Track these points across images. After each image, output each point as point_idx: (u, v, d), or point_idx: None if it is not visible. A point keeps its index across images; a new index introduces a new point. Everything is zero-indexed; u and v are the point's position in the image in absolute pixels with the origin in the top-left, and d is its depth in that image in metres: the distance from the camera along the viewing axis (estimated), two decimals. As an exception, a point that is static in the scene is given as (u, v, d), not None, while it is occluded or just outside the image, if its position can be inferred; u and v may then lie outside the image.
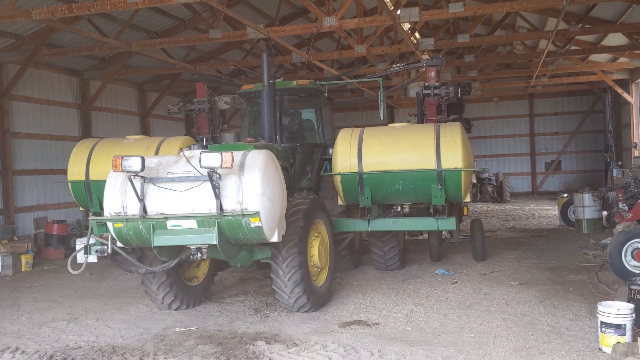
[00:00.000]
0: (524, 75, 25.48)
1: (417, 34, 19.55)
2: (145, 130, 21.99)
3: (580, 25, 16.87)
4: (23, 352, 6.95)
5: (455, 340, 6.71)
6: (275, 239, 7.27)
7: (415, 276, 10.44)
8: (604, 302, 6.21)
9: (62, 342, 7.35)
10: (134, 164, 6.81)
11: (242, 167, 7.01)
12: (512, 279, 9.89)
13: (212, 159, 6.57)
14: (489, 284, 9.58)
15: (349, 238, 10.23)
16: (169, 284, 8.32)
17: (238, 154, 7.17)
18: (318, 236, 8.63)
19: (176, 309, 8.48)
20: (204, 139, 12.20)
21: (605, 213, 15.65)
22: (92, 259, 7.65)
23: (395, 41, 20.09)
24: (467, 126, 13.33)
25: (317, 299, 8.14)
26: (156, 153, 10.26)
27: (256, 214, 6.81)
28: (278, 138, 10.42)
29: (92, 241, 7.64)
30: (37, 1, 13.22)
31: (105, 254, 7.44)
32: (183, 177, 7.04)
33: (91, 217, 7.59)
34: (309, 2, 13.29)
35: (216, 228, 6.87)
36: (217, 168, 6.63)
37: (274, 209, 7.16)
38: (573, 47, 20.65)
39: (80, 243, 7.78)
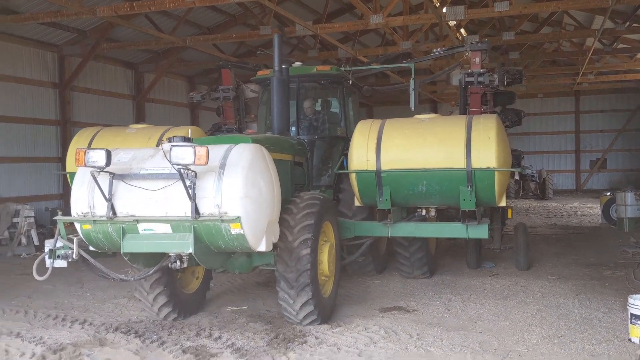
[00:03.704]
0: (570, 72, 25.33)
1: (462, 30, 19.74)
2: (194, 121, 22.83)
3: (627, 23, 16.82)
4: (91, 324, 7.64)
5: (490, 327, 7.09)
6: (262, 248, 6.36)
7: (454, 268, 10.79)
8: (634, 296, 6.49)
9: (125, 316, 8.02)
10: (98, 158, 5.97)
11: (223, 164, 6.12)
12: (550, 274, 10.16)
13: (183, 154, 5.72)
14: (526, 278, 9.88)
15: (367, 243, 9.13)
16: (165, 293, 7.43)
17: (221, 149, 6.31)
18: (326, 241, 7.64)
19: (173, 320, 7.65)
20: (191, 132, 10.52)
21: (647, 212, 15.64)
22: (61, 263, 6.60)
23: (441, 37, 20.30)
24: (517, 118, 12.31)
25: (325, 311, 7.32)
26: (158, 144, 9.20)
27: (237, 219, 5.92)
28: (294, 129, 9.77)
29: (59, 244, 6.61)
30: (100, -2, 14.04)
31: (70, 259, 6.54)
32: (155, 175, 6.16)
33: (58, 217, 6.66)
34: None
35: (192, 234, 6.04)
36: (189, 165, 5.77)
37: (260, 213, 6.24)
38: (620, 46, 20.50)
39: (48, 245, 6.70)
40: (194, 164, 5.72)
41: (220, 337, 6.85)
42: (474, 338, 6.66)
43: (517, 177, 26.40)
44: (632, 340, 6.33)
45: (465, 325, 7.20)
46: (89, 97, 17.57)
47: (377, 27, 14.67)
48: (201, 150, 5.70)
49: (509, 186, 25.02)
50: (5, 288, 9.98)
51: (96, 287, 9.79)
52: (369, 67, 13.37)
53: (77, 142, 9.93)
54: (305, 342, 6.58)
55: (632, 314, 6.36)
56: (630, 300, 6.42)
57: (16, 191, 15.12)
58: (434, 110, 31.80)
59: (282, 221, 6.91)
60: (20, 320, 7.97)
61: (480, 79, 10.52)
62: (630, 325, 6.40)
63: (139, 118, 19.49)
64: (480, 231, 8.37)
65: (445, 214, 9.66)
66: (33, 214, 14.10)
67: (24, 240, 13.84)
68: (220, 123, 12.49)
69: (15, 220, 14.05)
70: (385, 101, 31.43)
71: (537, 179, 28.04)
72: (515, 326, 7.13)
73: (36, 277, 6.52)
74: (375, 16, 13.97)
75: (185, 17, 16.20)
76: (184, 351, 6.38)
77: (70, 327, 7.54)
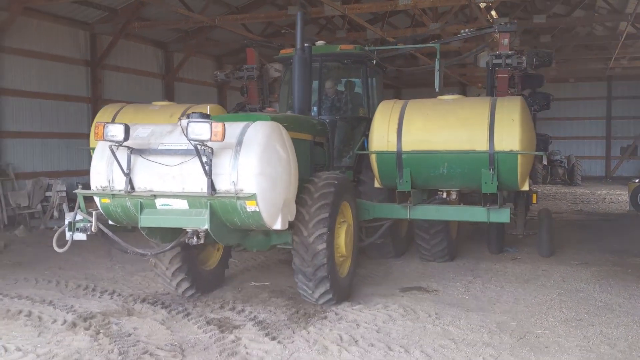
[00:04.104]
0: (603, 57, 24.86)
1: (493, 12, 19.49)
2: (222, 101, 23.04)
3: (663, 8, 16.45)
4: (119, 295, 7.92)
5: (509, 309, 7.16)
6: (278, 226, 6.34)
7: (476, 252, 10.81)
8: (654, 281, 6.52)
9: (152, 288, 8.27)
10: (117, 132, 6.01)
11: (240, 141, 6.10)
12: (572, 259, 10.15)
13: (200, 129, 5.71)
14: (548, 262, 9.88)
15: (386, 226, 8.96)
16: (184, 269, 7.45)
17: (238, 126, 6.29)
18: (344, 222, 7.55)
19: (190, 296, 7.65)
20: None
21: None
22: (81, 236, 6.72)
23: (471, 19, 20.08)
24: (545, 102, 12.19)
25: (341, 292, 7.30)
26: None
27: (252, 196, 5.94)
28: (316, 109, 9.72)
29: (79, 217, 6.72)
30: (132, -23, 14.21)
31: (88, 232, 6.64)
32: (173, 150, 6.19)
33: (78, 191, 6.77)
34: (385, -20, 13.67)
35: (208, 210, 6.07)
36: (206, 141, 5.75)
37: (276, 191, 6.23)
38: (655, 30, 20.04)
39: (68, 218, 6.79)
40: (210, 140, 5.71)
41: (243, 310, 7.06)
42: (492, 319, 6.74)
43: (545, 162, 26.16)
44: (651, 325, 6.36)
45: (484, 307, 7.29)
46: (119, 75, 17.87)
47: (405, 8, 14.62)
48: (218, 126, 5.68)
49: (537, 171, 24.78)
50: (37, 259, 10.35)
51: (125, 260, 10.08)
52: (394, 47, 13.07)
53: (101, 118, 9.96)
54: (326, 317, 6.75)
55: (651, 300, 6.39)
56: (650, 286, 6.44)
57: (49, 166, 15.52)
58: (463, 93, 31.44)
59: (296, 214, 6.78)
60: (52, 289, 8.30)
61: (508, 61, 10.33)
62: (649, 310, 6.43)
63: (168, 97, 19.71)
64: (501, 215, 8.20)
65: (469, 198, 9.48)
66: (65, 188, 14.53)
67: (56, 213, 14.28)
68: (244, 102, 12.41)
69: (47, 194, 14.52)
70: (414, 83, 31.22)
71: (566, 165, 27.73)
72: (534, 309, 7.19)
73: (56, 248, 6.66)
74: (404, -3, 13.90)
75: (215, -4, 16.36)
76: (208, 322, 6.60)
77: (99, 297, 7.84)
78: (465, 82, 30.38)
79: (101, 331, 6.36)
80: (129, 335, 6.27)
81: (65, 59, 15.98)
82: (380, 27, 19.77)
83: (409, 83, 31.79)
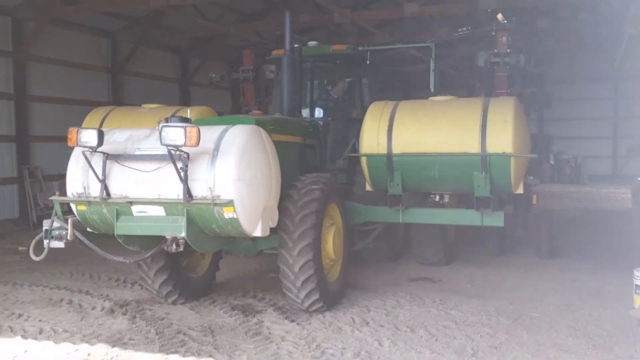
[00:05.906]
0: (608, 58, 25.29)
1: (500, 16, 20.01)
2: (235, 103, 23.73)
3: (663, 10, 16.91)
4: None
5: (507, 296, 7.80)
6: (258, 233, 6.18)
7: (479, 249, 11.36)
8: (639, 268, 7.09)
9: (178, 280, 8.95)
10: (90, 138, 5.89)
11: (217, 146, 5.94)
12: (572, 252, 10.74)
13: (174, 134, 5.53)
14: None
15: (378, 229, 8.86)
16: (168, 274, 7.26)
17: (217, 130, 6.13)
18: (332, 224, 7.43)
19: (173, 302, 7.47)
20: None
21: (678, 197, 15.90)
22: (58, 244, 6.52)
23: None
24: (546, 100, 12.04)
25: (330, 296, 7.12)
26: None
27: (229, 203, 5.77)
28: (308, 111, 9.69)
29: (56, 224, 6.51)
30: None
31: (64, 240, 6.44)
32: (149, 155, 6.03)
33: (54, 197, 6.52)
34: (392, -12, 14.27)
35: (185, 217, 5.90)
36: (180, 146, 5.59)
37: (255, 197, 6.08)
38: (657, 32, 20.48)
39: (46, 225, 6.58)
40: (184, 145, 5.55)
41: (263, 298, 7.75)
42: (492, 304, 7.39)
43: (552, 161, 26.63)
44: (637, 308, 6.94)
45: (485, 294, 7.94)
46: (138, 80, 18.62)
47: (412, 15, 15.21)
48: (192, 131, 5.51)
49: (544, 170, 25.24)
50: (67, 256, 10.92)
51: (150, 256, 10.77)
52: (388, 47, 13.08)
53: (90, 121, 9.72)
54: (339, 303, 7.41)
55: (636, 285, 6.91)
56: (636, 273, 6.96)
57: (73, 168, 16.27)
58: (471, 94, 31.92)
59: (283, 210, 6.67)
60: (87, 281, 9.04)
61: (507, 59, 10.14)
62: (635, 295, 6.96)
63: (184, 101, 20.49)
64: (495, 219, 7.97)
65: (468, 200, 8.72)
66: (89, 190, 15.25)
67: (81, 213, 14.99)
68: (241, 104, 12.43)
69: (73, 195, 15.21)
70: (422, 85, 31.68)
71: (572, 164, 28.20)
72: (531, 296, 7.83)
73: (33, 257, 6.53)
74: (410, 4, 14.50)
75: (230, 5, 17.03)
76: (232, 308, 7.30)
77: (131, 288, 8.56)
78: (474, 83, 30.86)
79: (137, 316, 7.08)
80: (162, 319, 6.97)
81: (88, 66, 16.75)
82: (388, 32, 20.40)
83: (416, 85, 32.32)
